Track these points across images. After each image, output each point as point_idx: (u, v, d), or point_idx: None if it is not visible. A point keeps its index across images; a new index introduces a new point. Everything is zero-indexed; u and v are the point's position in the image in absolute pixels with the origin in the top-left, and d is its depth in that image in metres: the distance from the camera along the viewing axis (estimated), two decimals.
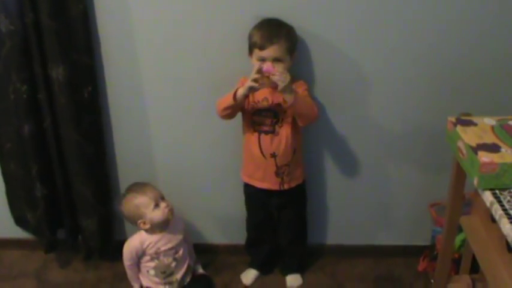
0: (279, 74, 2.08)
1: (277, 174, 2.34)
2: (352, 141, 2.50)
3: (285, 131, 2.27)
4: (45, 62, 2.31)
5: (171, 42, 2.33)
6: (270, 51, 2.13)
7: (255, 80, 2.12)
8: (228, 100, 2.20)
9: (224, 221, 2.76)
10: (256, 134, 2.30)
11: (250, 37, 2.19)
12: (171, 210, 2.39)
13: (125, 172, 2.65)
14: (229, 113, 2.25)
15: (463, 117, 1.91)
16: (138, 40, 2.34)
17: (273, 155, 2.30)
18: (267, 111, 2.27)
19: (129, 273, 2.50)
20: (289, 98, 2.12)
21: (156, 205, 2.36)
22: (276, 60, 2.14)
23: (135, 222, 2.39)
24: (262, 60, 2.15)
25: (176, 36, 2.32)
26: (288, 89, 2.10)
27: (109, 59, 2.38)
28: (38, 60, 2.30)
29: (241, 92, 2.16)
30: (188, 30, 2.30)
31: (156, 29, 2.32)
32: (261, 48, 2.14)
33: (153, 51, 2.36)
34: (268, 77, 2.10)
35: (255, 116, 2.29)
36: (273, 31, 2.15)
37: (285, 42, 2.15)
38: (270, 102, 2.25)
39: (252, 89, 2.16)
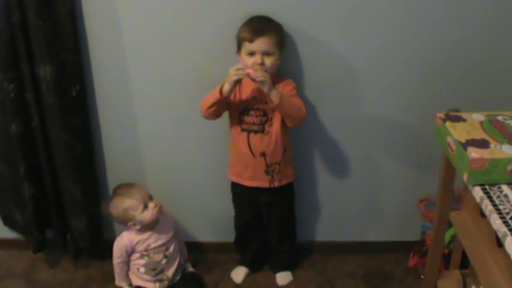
0: (259, 75, 2.07)
1: (266, 172, 2.33)
2: (341, 138, 2.50)
3: (274, 130, 2.26)
4: (33, 61, 2.28)
5: (159, 40, 2.32)
6: (259, 44, 2.12)
7: (237, 71, 2.10)
8: (214, 96, 2.17)
9: (213, 219, 2.75)
10: (245, 134, 2.29)
11: (238, 34, 2.18)
12: (160, 209, 2.38)
13: (114, 171, 2.63)
14: (214, 110, 2.21)
15: (452, 113, 1.92)
16: (126, 39, 2.32)
17: (263, 154, 2.29)
18: (255, 110, 2.26)
19: (118, 271, 2.49)
20: (274, 98, 2.11)
21: (145, 206, 2.35)
22: (265, 53, 2.13)
23: (125, 224, 2.39)
24: (252, 54, 2.14)
25: (164, 35, 2.31)
26: (272, 88, 2.10)
27: (97, 57, 2.37)
28: (25, 59, 2.28)
29: (227, 86, 2.14)
30: (176, 28, 2.29)
31: (144, 27, 2.30)
32: (250, 41, 2.12)
33: (141, 50, 2.34)
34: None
35: (244, 116, 2.28)
36: (262, 24, 2.15)
37: (274, 36, 2.14)
38: (259, 101, 2.25)
39: (237, 82, 2.14)
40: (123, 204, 2.34)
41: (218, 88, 2.16)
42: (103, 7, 2.26)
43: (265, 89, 2.10)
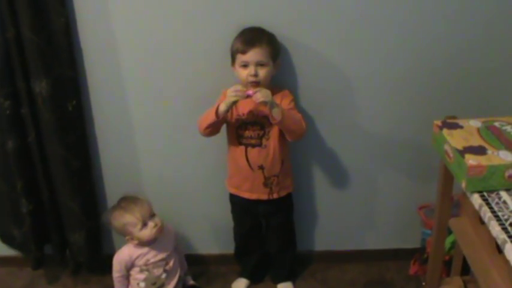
0: (259, 93, 2.07)
1: (265, 184, 2.33)
2: (340, 146, 2.50)
3: (272, 144, 2.26)
4: (28, 77, 2.28)
5: (155, 54, 2.32)
6: (252, 54, 2.11)
7: (236, 92, 2.10)
8: (210, 117, 2.17)
9: (213, 231, 2.74)
10: (242, 148, 2.28)
11: (231, 46, 2.19)
12: (160, 229, 2.36)
13: (112, 185, 2.62)
14: (212, 130, 2.23)
15: (449, 120, 1.92)
16: (121, 52, 2.32)
17: (261, 167, 2.29)
18: (253, 125, 2.26)
19: (118, 286, 2.47)
20: (277, 114, 2.11)
21: (144, 224, 2.33)
22: (259, 65, 2.13)
23: (124, 236, 2.38)
24: (245, 65, 2.14)
25: (160, 48, 2.31)
26: (274, 104, 2.10)
27: (92, 72, 2.36)
28: (21, 74, 2.27)
29: (223, 107, 2.14)
30: (171, 42, 2.29)
31: (139, 41, 2.30)
32: (243, 52, 2.12)
33: (136, 63, 2.34)
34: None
35: (241, 130, 2.27)
36: (254, 35, 2.15)
37: (267, 46, 2.14)
38: (256, 115, 2.24)
39: (234, 103, 2.14)
40: (123, 219, 2.33)
41: (214, 108, 2.16)
42: (97, 21, 2.26)
43: (266, 108, 2.10)
